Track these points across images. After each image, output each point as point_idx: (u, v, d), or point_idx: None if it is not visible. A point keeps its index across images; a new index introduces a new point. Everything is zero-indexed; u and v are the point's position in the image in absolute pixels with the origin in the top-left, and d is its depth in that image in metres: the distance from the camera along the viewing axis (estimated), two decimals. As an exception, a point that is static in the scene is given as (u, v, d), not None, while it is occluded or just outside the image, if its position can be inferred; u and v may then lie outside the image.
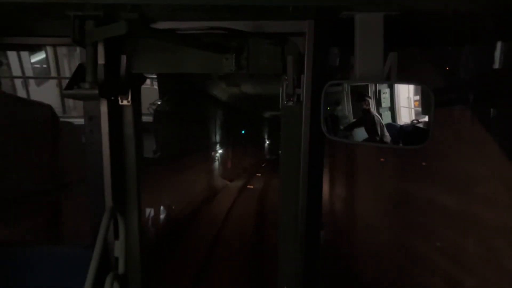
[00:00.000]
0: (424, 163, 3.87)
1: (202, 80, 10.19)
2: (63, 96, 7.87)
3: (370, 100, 1.68)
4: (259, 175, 19.95)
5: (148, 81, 7.79)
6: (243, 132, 21.28)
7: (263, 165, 23.63)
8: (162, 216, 7.98)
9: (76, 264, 2.02)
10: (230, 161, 17.64)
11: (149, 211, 7.08)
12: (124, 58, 1.91)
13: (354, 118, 1.72)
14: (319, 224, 2.06)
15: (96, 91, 1.69)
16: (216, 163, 14.97)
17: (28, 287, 2.15)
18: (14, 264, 2.16)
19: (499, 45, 2.63)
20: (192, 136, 11.27)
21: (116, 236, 2.04)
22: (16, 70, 7.95)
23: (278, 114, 2.16)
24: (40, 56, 8.42)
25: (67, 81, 1.73)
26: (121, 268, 2.02)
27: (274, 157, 24.65)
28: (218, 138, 14.82)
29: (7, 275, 2.15)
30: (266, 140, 27.64)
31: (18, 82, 8.09)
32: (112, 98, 2.00)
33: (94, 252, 1.77)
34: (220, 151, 15.34)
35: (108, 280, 1.91)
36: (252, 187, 16.39)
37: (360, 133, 1.72)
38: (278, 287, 2.17)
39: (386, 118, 1.66)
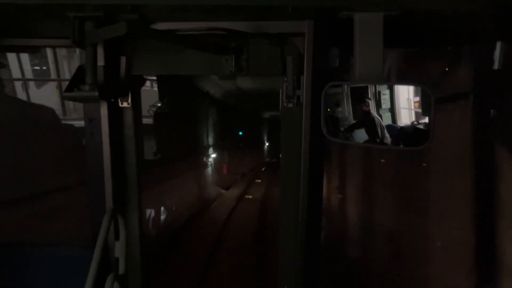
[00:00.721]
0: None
1: (201, 79, 10.03)
2: (63, 98, 7.87)
3: (370, 102, 1.68)
4: (259, 181, 17.38)
5: (148, 83, 7.79)
6: (240, 133, 20.12)
7: (263, 169, 21.62)
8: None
9: (77, 265, 2.02)
10: (226, 166, 16.10)
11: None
12: (123, 60, 1.91)
13: (354, 120, 1.72)
14: (319, 224, 2.06)
15: (96, 93, 1.69)
16: (212, 168, 13.49)
17: (28, 287, 2.15)
18: (14, 264, 2.16)
19: (499, 45, 2.63)
20: (187, 138, 10.72)
21: (117, 237, 2.04)
22: (16, 72, 7.95)
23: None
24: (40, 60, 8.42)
25: (67, 83, 1.73)
26: (121, 269, 2.02)
27: (274, 160, 23.27)
28: (214, 141, 13.79)
29: (7, 275, 2.15)
30: (266, 141, 27.04)
31: (18, 84, 8.08)
32: (112, 100, 2.00)
33: (94, 252, 1.77)
34: (215, 155, 13.94)
35: (108, 281, 1.91)
36: (250, 197, 13.34)
37: (361, 135, 1.72)
38: (278, 287, 2.17)
39: (386, 120, 1.66)
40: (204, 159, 12.74)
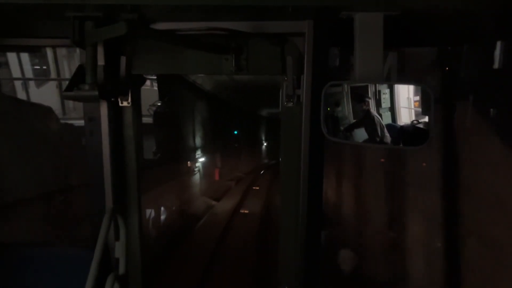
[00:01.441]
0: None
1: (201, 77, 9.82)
2: (63, 98, 7.86)
3: (370, 101, 1.68)
4: (257, 188, 14.29)
5: (147, 82, 7.79)
6: (235, 132, 18.57)
7: (261, 173, 19.02)
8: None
9: (77, 265, 2.02)
10: (218, 170, 13.88)
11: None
12: (123, 59, 1.92)
13: (354, 119, 1.72)
14: (320, 224, 2.06)
15: (96, 93, 1.69)
16: (201, 173, 11.56)
17: (28, 287, 2.15)
18: (14, 264, 2.16)
19: (499, 44, 2.63)
20: (180, 140, 9.84)
21: (117, 237, 2.04)
22: (16, 72, 7.96)
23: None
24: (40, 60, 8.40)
25: (66, 82, 1.73)
26: (121, 269, 2.02)
27: (273, 162, 21.77)
28: (207, 141, 12.22)
29: (7, 275, 2.15)
30: (265, 141, 26.20)
31: (17, 84, 8.09)
32: (112, 99, 2.00)
33: (95, 253, 1.77)
34: (205, 158, 12.03)
35: (108, 281, 1.91)
36: (247, 211, 10.49)
37: (360, 134, 1.72)
38: (278, 286, 2.18)
39: (386, 119, 1.66)
40: (196, 162, 11.31)
